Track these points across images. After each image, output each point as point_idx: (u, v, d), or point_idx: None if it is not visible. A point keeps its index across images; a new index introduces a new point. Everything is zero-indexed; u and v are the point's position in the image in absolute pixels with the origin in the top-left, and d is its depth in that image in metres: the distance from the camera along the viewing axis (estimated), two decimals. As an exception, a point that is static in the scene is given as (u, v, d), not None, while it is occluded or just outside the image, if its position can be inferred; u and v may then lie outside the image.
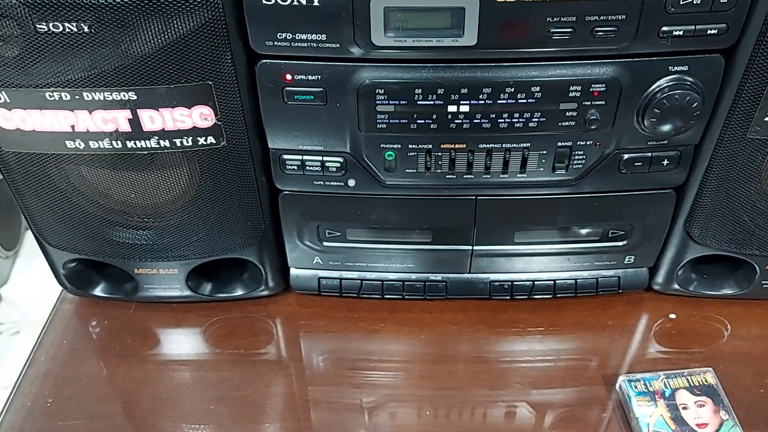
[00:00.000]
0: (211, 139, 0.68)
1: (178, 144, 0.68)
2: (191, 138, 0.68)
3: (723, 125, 0.69)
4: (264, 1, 0.60)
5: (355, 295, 0.86)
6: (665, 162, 0.73)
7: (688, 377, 0.75)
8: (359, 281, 0.86)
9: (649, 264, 0.86)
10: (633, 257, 0.84)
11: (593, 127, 0.68)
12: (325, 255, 0.84)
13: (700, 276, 0.86)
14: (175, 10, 0.59)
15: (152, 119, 0.66)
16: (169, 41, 0.60)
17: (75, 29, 0.59)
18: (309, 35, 0.62)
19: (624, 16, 0.60)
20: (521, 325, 0.85)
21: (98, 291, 0.86)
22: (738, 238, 0.78)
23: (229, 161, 0.71)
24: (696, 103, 0.66)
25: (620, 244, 0.83)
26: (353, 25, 0.61)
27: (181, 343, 0.85)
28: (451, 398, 0.77)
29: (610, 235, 0.82)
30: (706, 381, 0.74)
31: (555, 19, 0.61)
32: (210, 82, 0.64)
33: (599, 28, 0.61)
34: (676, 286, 0.86)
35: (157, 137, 0.67)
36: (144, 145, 0.68)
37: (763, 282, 0.83)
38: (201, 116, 0.66)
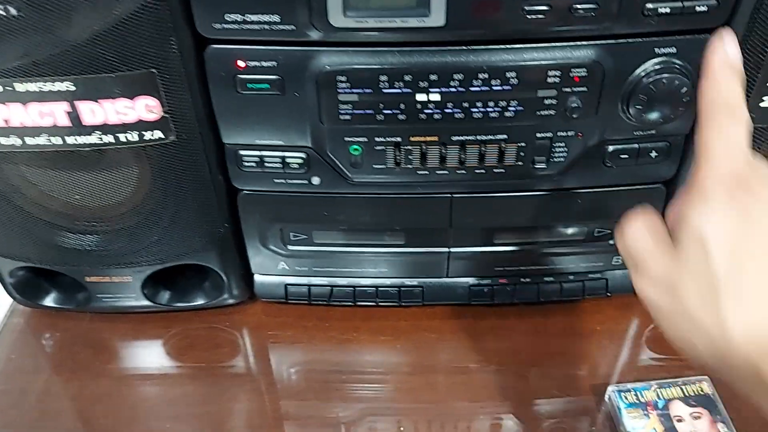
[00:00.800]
0: (158, 134, 0.65)
1: (123, 139, 0.65)
2: (137, 132, 0.65)
3: (715, 113, 0.66)
4: (209, -22, 0.57)
5: (325, 302, 0.84)
6: (653, 154, 0.70)
7: (683, 386, 0.73)
8: (329, 288, 0.84)
9: (639, 265, 0.83)
10: (621, 258, 0.81)
11: (575, 116, 0.66)
12: (291, 260, 0.82)
13: (693, 277, 0.83)
14: (113, -10, 0.55)
15: (93, 112, 0.62)
16: (107, 25, 0.57)
17: (2, 12, 0.55)
18: (261, 16, 0.59)
19: (605, -8, 0.58)
20: (504, 332, 0.83)
21: (49, 301, 0.84)
22: (733, 236, 0.75)
23: (181, 158, 0.68)
24: (685, 88, 0.63)
25: (607, 243, 0.80)
26: (309, 5, 0.58)
27: (139, 356, 0.82)
28: (431, 411, 0.75)
29: (596, 235, 0.80)
30: (702, 390, 0.72)
31: (530, -5, 0.58)
32: (154, 70, 0.61)
33: (578, 6, 0.58)
34: (669, 289, 0.83)
35: (99, 132, 0.64)
36: (86, 141, 0.64)
37: (761, 283, 0.80)
38: (146, 108, 0.63)
